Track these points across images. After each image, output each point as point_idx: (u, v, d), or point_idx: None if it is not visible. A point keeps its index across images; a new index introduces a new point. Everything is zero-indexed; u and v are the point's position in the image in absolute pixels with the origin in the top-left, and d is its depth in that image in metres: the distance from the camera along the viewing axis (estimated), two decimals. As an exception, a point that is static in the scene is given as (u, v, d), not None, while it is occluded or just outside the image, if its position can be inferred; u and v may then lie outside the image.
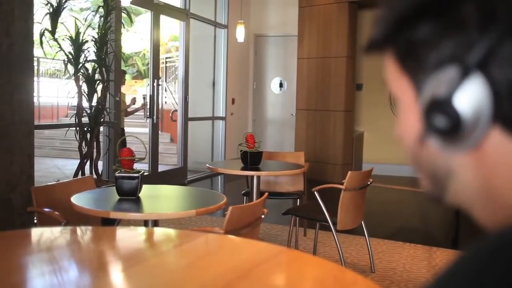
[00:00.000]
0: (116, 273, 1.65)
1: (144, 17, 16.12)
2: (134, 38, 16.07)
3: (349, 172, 3.62)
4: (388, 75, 0.51)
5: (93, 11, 5.14)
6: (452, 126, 0.44)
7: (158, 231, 2.25)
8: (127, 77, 17.32)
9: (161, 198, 2.96)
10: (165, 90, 11.26)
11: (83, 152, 4.94)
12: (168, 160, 8.69)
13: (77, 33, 4.83)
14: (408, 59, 0.48)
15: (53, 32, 4.67)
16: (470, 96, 0.43)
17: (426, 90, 0.46)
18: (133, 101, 7.30)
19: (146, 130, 7.05)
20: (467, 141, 0.44)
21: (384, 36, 0.49)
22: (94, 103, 5.02)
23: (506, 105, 0.42)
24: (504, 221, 0.46)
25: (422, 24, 0.46)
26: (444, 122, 0.44)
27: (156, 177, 6.67)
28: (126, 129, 6.76)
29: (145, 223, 2.69)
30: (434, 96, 0.45)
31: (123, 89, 6.87)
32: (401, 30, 0.47)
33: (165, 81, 11.58)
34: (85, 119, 4.99)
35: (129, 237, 2.12)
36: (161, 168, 7.19)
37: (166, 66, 12.32)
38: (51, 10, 4.64)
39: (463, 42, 0.43)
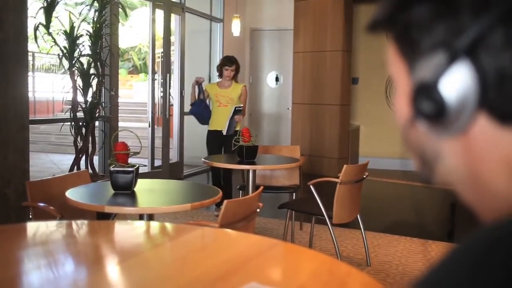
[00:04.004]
0: (111, 266, 1.65)
1: (139, 12, 16.07)
2: (130, 33, 16.01)
3: (345, 165, 3.62)
4: (387, 55, 0.51)
5: (87, 5, 5.11)
6: (436, 111, 0.44)
7: (153, 225, 2.25)
8: (122, 71, 17.26)
9: (156, 192, 2.96)
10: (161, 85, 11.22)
11: (79, 147, 4.93)
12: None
13: (72, 27, 4.80)
14: (404, 41, 0.48)
15: (47, 26, 4.64)
16: (456, 82, 0.43)
17: (416, 74, 0.46)
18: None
19: (141, 124, 7.04)
20: (453, 127, 0.44)
21: (384, 17, 0.49)
22: (89, 97, 5.00)
23: (493, 93, 0.42)
24: (493, 210, 0.46)
25: (418, 6, 0.45)
26: (429, 107, 0.44)
27: (152, 172, 6.67)
28: (121, 124, 6.62)
29: (141, 217, 2.69)
30: (422, 80, 0.45)
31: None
32: (399, 11, 0.47)
33: (161, 75, 11.53)
34: (80, 114, 4.97)
35: (124, 231, 2.12)
36: (157, 163, 7.18)
37: (161, 61, 12.27)
38: (45, 4, 4.62)
39: (454, 26, 0.43)
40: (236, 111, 5.04)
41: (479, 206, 0.48)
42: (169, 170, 7.02)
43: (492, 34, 0.42)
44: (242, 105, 5.18)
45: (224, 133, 5.05)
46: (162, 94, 6.89)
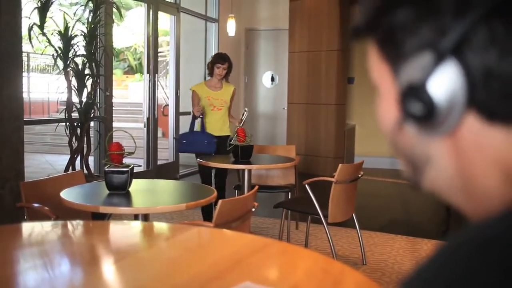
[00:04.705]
0: (106, 267, 1.64)
1: (135, 12, 16.04)
2: (125, 33, 15.98)
3: (340, 165, 3.63)
4: (369, 62, 0.51)
5: (82, 5, 5.10)
6: (426, 112, 0.44)
7: (148, 225, 2.25)
8: (118, 72, 17.23)
9: (151, 192, 2.96)
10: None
11: (74, 148, 4.92)
12: (160, 155, 8.67)
13: (66, 28, 4.79)
14: (387, 45, 0.48)
15: (41, 26, 4.63)
16: (444, 82, 0.43)
17: (402, 76, 0.46)
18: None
19: (137, 125, 7.03)
20: (442, 127, 0.45)
21: (366, 23, 0.49)
22: (84, 98, 4.99)
23: (481, 92, 0.43)
24: (484, 211, 0.46)
25: (401, 10, 0.46)
26: (418, 108, 0.44)
27: (148, 172, 6.66)
28: (117, 124, 6.58)
29: (136, 217, 2.69)
30: (409, 81, 0.45)
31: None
32: (381, 16, 0.48)
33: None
34: (75, 114, 4.96)
35: (119, 231, 2.11)
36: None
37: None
38: (39, 4, 4.61)
39: (438, 28, 0.43)
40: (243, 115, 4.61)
41: (469, 207, 0.48)
42: (157, 171, 6.99)
43: (476, 33, 0.42)
44: (245, 109, 4.83)
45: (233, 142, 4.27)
46: (149, 94, 6.83)
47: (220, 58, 4.81)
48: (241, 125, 4.44)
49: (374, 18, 0.49)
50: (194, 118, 4.70)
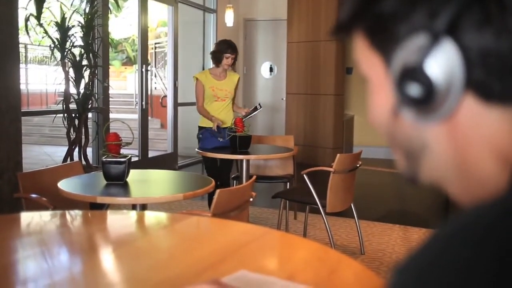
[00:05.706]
0: (103, 255, 1.65)
1: (132, 3, 15.97)
2: (123, 24, 15.93)
3: (338, 154, 3.63)
4: (357, 55, 0.51)
5: (79, -4, 5.08)
6: (425, 93, 0.44)
7: (146, 215, 2.25)
8: (116, 63, 17.18)
9: (149, 183, 2.96)
10: (155, 76, 11.19)
11: (72, 139, 4.91)
12: (159, 146, 8.68)
13: (63, 18, 4.77)
14: (377, 33, 0.47)
15: (38, 17, 4.61)
16: (441, 62, 0.43)
17: (397, 61, 0.45)
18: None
19: (135, 116, 7.02)
20: (441, 110, 0.44)
21: (352, 15, 0.49)
22: (81, 89, 4.98)
23: (478, 71, 0.42)
24: (477, 197, 0.46)
25: None
26: (416, 90, 0.44)
27: (146, 163, 6.66)
28: (113, 115, 6.53)
29: (133, 207, 2.69)
30: (405, 64, 0.44)
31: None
32: (368, 6, 0.47)
33: (155, 66, 11.50)
34: (73, 106, 4.95)
35: (116, 220, 2.12)
36: (151, 154, 7.17)
37: (155, 52, 12.22)
38: (36, -5, 4.59)
39: (429, 11, 0.43)
40: (255, 109, 4.55)
41: (465, 195, 0.47)
42: (155, 162, 6.96)
43: (470, 14, 0.42)
44: (260, 104, 4.67)
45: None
46: (139, 85, 6.79)
47: (230, 47, 4.46)
48: (247, 117, 4.35)
49: (361, 8, 0.48)
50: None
